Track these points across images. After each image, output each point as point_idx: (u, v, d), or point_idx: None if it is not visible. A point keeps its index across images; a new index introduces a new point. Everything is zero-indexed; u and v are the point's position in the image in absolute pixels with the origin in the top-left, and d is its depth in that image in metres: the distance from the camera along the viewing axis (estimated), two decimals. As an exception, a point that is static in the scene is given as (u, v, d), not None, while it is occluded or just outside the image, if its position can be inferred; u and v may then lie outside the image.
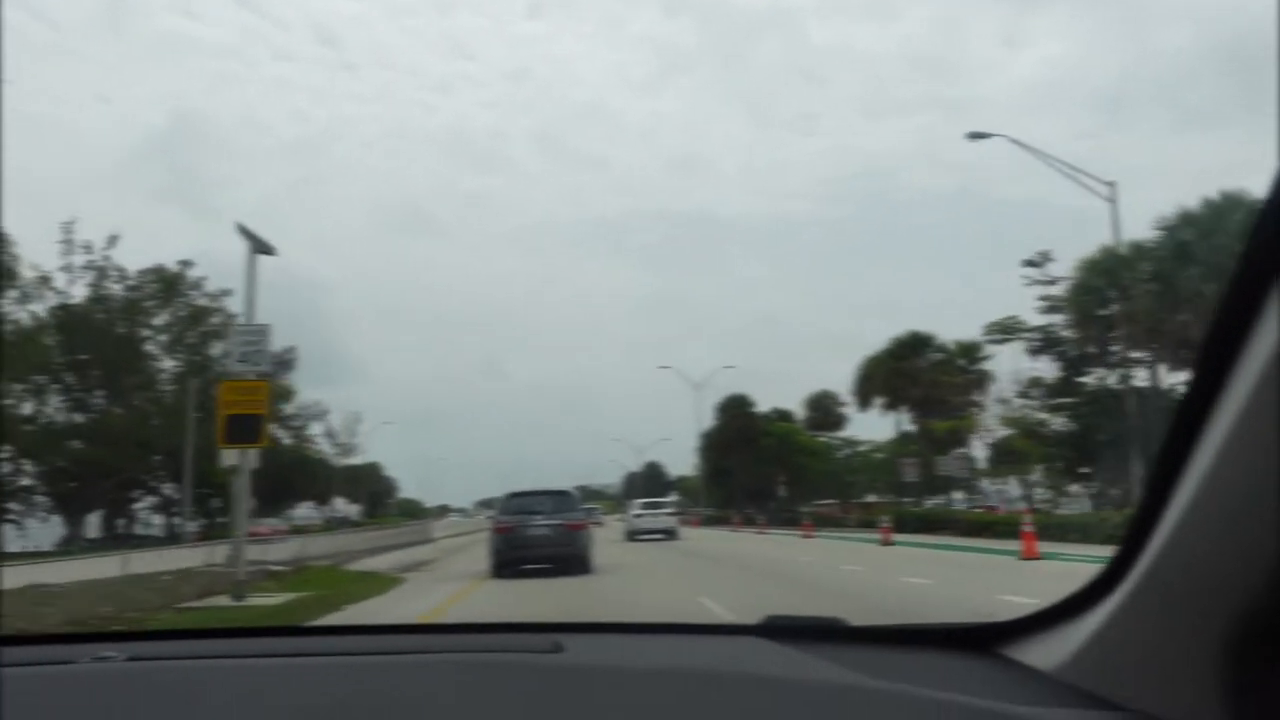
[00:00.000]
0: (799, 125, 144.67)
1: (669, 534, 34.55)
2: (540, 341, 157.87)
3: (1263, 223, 0.84)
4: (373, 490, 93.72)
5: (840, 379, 65.50)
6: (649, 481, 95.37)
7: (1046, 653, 1.27)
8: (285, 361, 60.09)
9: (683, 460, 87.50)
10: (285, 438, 64.59)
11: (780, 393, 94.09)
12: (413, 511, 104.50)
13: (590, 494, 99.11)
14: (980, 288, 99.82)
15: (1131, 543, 1.05)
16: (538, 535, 17.00)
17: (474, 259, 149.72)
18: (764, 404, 63.09)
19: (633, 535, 35.21)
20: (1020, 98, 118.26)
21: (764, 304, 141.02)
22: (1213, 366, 0.89)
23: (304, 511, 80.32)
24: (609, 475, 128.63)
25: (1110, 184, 27.19)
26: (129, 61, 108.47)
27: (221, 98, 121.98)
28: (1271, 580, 0.85)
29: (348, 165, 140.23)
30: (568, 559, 16.91)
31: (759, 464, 60.46)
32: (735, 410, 63.88)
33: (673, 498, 51.23)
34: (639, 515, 37.34)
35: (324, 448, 79.08)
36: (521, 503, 17.76)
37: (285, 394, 62.82)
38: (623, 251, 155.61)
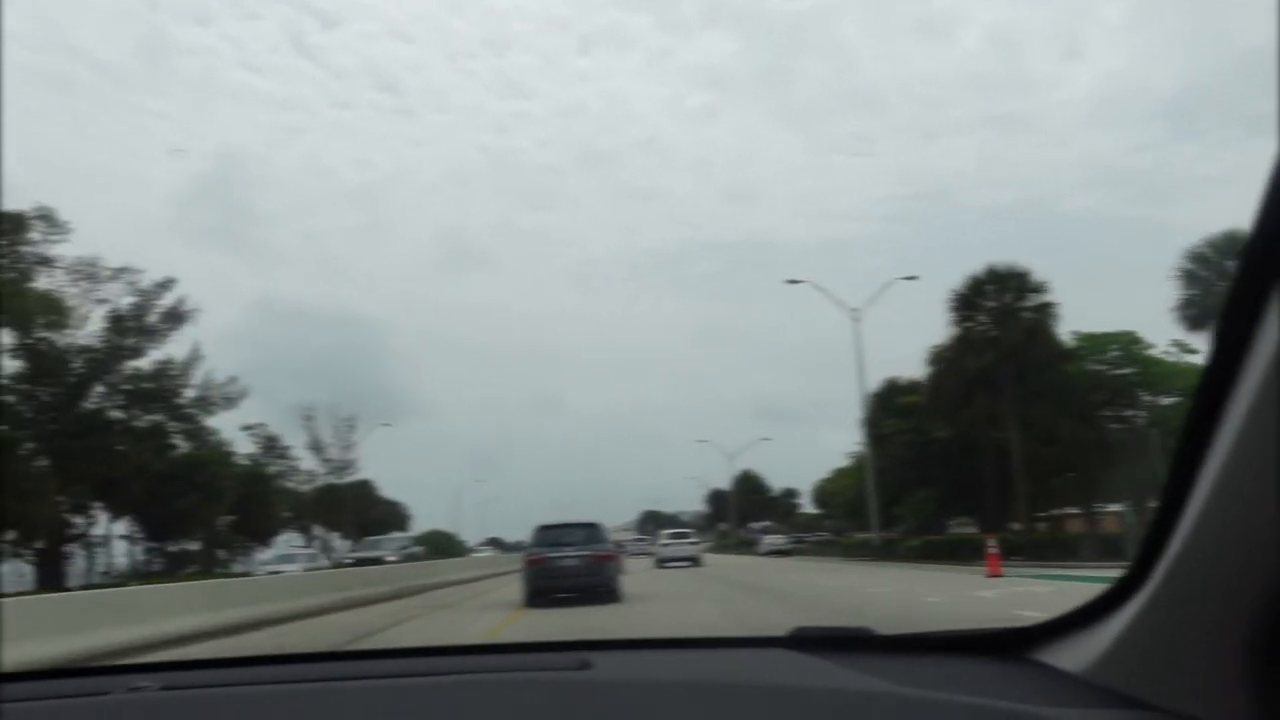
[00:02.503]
0: (853, 147, 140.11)
1: (694, 561, 37.74)
2: (599, 374, 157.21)
3: (1260, 227, 0.85)
4: (366, 519, 73.12)
5: None
6: (747, 499, 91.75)
7: (1075, 655, 1.28)
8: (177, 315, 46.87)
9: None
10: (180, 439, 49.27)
11: (838, 418, 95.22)
12: (442, 547, 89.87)
13: (664, 521, 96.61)
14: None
15: (1153, 543, 1.06)
16: (568, 566, 17.53)
17: (532, 295, 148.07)
18: (822, 430, 59.47)
19: (662, 562, 38.05)
20: (1081, 111, 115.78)
21: (824, 327, 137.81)
22: (1223, 364, 0.90)
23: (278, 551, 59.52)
24: (679, 503, 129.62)
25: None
26: (193, 113, 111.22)
27: (286, 147, 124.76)
28: None
29: (408, 208, 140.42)
30: (597, 588, 17.43)
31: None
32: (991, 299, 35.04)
33: (691, 530, 52.71)
34: (666, 545, 40.47)
35: (311, 465, 66.31)
36: (551, 535, 18.28)
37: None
38: (680, 282, 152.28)
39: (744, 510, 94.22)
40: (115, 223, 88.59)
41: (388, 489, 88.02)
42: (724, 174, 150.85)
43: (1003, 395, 32.81)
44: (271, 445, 67.71)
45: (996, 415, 33.54)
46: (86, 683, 1.57)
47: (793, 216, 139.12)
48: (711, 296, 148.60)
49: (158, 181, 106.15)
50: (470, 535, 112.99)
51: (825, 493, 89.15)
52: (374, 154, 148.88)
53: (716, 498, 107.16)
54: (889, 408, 42.73)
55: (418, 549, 48.07)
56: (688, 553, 38.30)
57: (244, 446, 63.74)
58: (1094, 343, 37.13)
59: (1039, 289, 35.01)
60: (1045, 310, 34.66)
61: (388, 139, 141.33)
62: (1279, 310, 0.83)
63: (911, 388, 43.78)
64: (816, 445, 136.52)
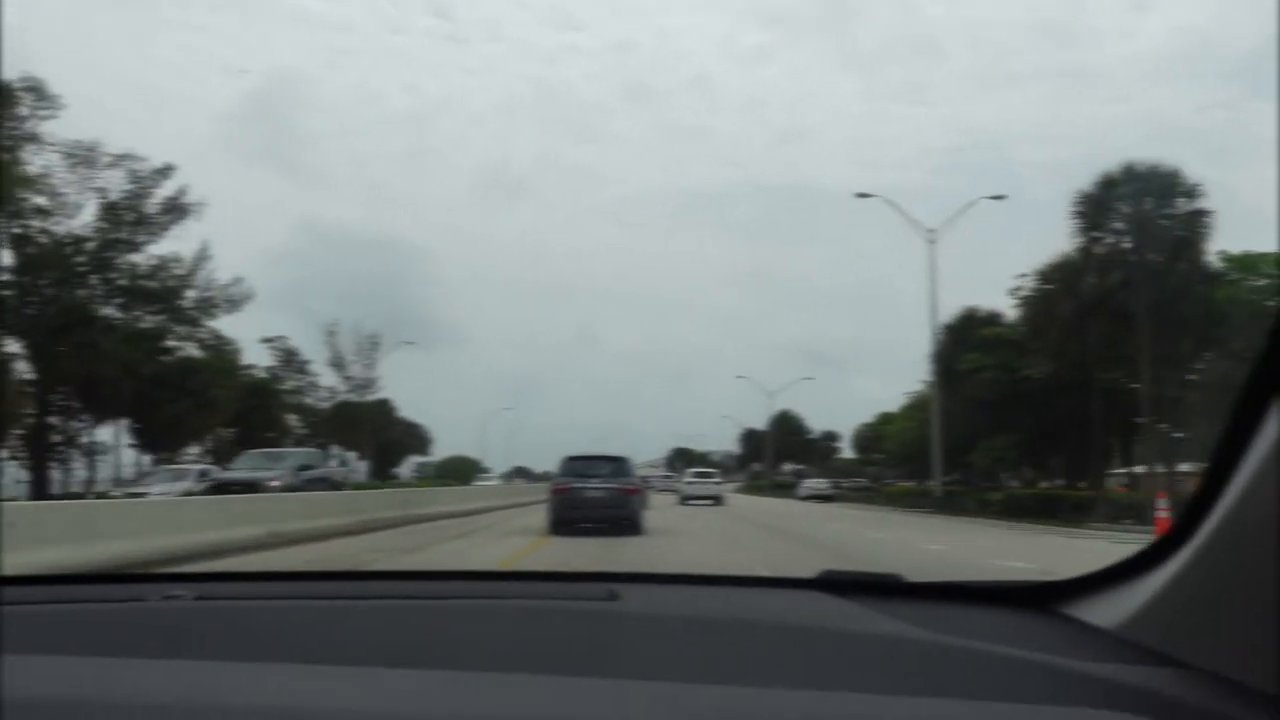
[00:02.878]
0: (909, 95, 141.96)
1: (716, 500, 38.74)
2: (636, 311, 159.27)
3: None
4: (385, 439, 68.39)
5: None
6: (784, 440, 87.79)
7: (1107, 611, 1.28)
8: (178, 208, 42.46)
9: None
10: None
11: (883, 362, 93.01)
12: (460, 472, 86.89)
13: (694, 459, 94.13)
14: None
15: (1199, 502, 1.05)
16: (593, 497, 17.79)
17: (574, 229, 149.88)
18: (865, 377, 55.78)
19: (685, 500, 39.24)
20: (1150, 66, 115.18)
21: (867, 273, 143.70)
22: None
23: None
24: (711, 443, 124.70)
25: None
26: (251, 33, 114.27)
27: (337, 70, 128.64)
28: None
29: (454, 137, 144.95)
30: (620, 520, 17.56)
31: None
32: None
33: (717, 470, 53.54)
34: (690, 483, 42.41)
35: (332, 382, 61.55)
36: (579, 466, 18.57)
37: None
38: (724, 223, 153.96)
39: (780, 451, 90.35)
40: (168, 139, 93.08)
41: (412, 412, 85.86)
42: (775, 115, 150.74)
43: (1129, 324, 27.05)
44: (290, 359, 63.94)
45: (1116, 349, 27.98)
46: (121, 589, 1.63)
47: (842, 162, 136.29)
48: (754, 238, 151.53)
49: (210, 101, 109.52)
50: (496, 463, 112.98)
51: (867, 438, 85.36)
52: (423, 80, 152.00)
53: (750, 437, 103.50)
54: (964, 341, 37.04)
55: (341, 469, 38.56)
56: (711, 491, 39.65)
57: (263, 359, 60.46)
58: (1245, 265, 30.30)
59: (1191, 193, 28.54)
60: (1196, 220, 28.32)
61: (438, 66, 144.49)
62: None
63: (991, 319, 38.66)
64: (854, 392, 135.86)
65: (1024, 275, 33.11)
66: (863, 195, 36.42)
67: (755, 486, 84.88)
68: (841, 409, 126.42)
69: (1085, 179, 30.07)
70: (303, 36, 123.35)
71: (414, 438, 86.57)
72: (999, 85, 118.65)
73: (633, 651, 1.19)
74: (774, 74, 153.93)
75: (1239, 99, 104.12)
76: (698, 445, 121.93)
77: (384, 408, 68.53)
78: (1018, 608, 1.49)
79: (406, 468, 76.14)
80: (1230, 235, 32.26)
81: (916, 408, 50.89)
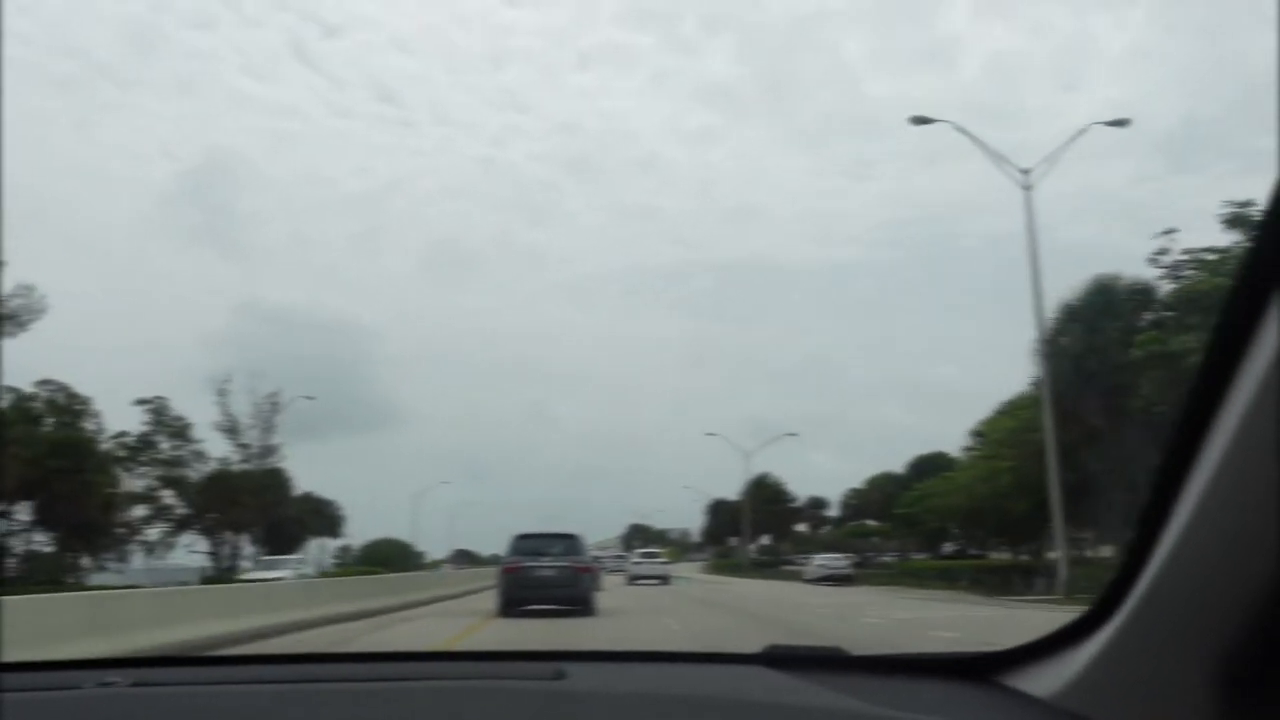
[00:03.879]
0: (855, 172, 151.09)
1: (663, 579, 44.32)
2: (590, 389, 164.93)
3: (1264, 235, 0.88)
4: (281, 517, 58.62)
5: (897, 422, 58.13)
6: (763, 510, 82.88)
7: (1044, 680, 1.34)
8: None
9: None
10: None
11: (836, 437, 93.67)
12: (389, 557, 78.23)
13: (652, 537, 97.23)
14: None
15: (1129, 568, 1.12)
16: (545, 576, 18.35)
17: (529, 309, 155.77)
18: (820, 452, 53.00)
19: (633, 579, 44.64)
20: (1080, 142, 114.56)
21: (817, 349, 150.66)
22: (1209, 387, 0.94)
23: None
24: (671, 519, 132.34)
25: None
26: (193, 119, 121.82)
27: (284, 155, 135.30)
28: (1262, 610, 0.93)
29: (405, 218, 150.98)
30: (573, 600, 18.36)
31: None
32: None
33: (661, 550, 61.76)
34: (637, 563, 47.56)
35: (226, 451, 53.99)
36: (529, 544, 19.21)
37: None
38: (677, 300, 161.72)
39: (759, 522, 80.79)
40: (108, 220, 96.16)
41: (352, 497, 74.95)
42: (725, 193, 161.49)
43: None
44: (162, 420, 53.91)
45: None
46: (53, 677, 1.63)
47: (793, 238, 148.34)
48: (707, 315, 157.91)
49: (149, 181, 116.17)
50: (436, 547, 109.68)
51: (854, 505, 76.95)
52: (372, 162, 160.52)
53: (718, 509, 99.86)
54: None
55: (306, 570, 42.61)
56: (657, 571, 45.63)
57: (135, 425, 53.62)
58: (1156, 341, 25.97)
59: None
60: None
61: (386, 149, 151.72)
62: (1278, 325, 0.84)
63: (1144, 292, 29.31)
64: (811, 466, 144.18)
65: None
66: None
67: (729, 565, 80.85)
68: (799, 483, 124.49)
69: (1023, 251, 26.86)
70: (249, 120, 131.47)
71: (320, 517, 73.86)
72: (939, 161, 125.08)
73: None
74: (720, 154, 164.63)
75: (1164, 173, 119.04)
76: (656, 522, 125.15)
77: (276, 478, 59.84)
78: (958, 679, 1.56)
79: (311, 552, 64.36)
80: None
81: (990, 445, 40.33)
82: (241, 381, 51.94)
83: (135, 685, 1.46)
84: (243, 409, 52.35)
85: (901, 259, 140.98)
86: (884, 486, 72.35)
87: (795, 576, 50.49)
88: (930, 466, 60.92)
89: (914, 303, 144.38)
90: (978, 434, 45.92)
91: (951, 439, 63.44)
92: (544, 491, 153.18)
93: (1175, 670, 1.03)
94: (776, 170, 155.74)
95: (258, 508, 53.40)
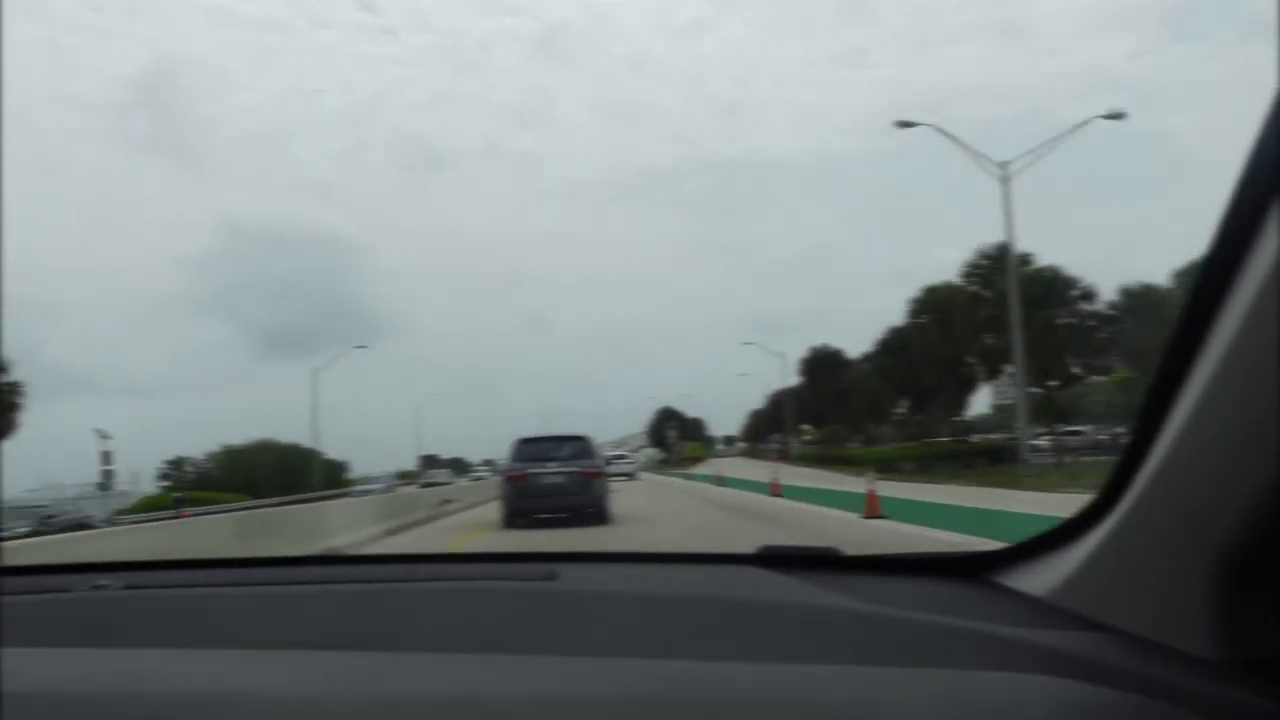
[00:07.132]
0: (848, 60, 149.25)
1: (630, 476, 50.34)
2: (589, 294, 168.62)
3: (1263, 145, 0.89)
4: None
5: (897, 309, 61.16)
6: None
7: (1037, 579, 1.37)
8: None
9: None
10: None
11: (837, 327, 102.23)
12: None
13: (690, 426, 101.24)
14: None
15: (1124, 470, 1.14)
16: (552, 483, 17.37)
17: (524, 216, 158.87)
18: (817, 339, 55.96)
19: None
20: (1081, 16, 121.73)
21: (817, 240, 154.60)
22: (1209, 293, 0.95)
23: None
24: (696, 406, 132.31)
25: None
26: (176, 38, 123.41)
27: (269, 70, 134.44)
28: (1259, 509, 0.94)
29: (392, 131, 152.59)
30: (584, 509, 17.39)
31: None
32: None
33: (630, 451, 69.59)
34: (609, 463, 55.13)
35: None
36: (533, 449, 18.07)
37: None
38: (672, 201, 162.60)
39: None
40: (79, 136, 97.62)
41: (350, 416, 68.81)
42: (718, 88, 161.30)
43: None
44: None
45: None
46: (46, 580, 1.67)
47: (787, 131, 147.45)
48: (704, 211, 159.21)
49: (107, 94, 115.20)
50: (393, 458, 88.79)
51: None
52: (354, 75, 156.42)
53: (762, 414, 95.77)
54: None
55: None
56: (626, 469, 51.53)
57: None
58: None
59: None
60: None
61: (368, 59, 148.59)
62: (1278, 231, 0.85)
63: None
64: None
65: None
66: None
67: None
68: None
69: (1026, 135, 28.29)
70: (231, 34, 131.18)
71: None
72: (935, 45, 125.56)
73: (572, 629, 1.27)
74: (711, 48, 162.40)
75: (1163, 44, 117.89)
76: (688, 408, 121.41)
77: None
78: (951, 578, 1.59)
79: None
80: (1171, 179, 27.05)
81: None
82: (244, 309, 47.45)
83: (127, 588, 1.50)
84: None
85: (897, 149, 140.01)
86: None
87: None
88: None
89: (914, 189, 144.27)
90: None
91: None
92: (548, 400, 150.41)
93: (1173, 567, 1.05)
94: (770, 61, 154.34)
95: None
